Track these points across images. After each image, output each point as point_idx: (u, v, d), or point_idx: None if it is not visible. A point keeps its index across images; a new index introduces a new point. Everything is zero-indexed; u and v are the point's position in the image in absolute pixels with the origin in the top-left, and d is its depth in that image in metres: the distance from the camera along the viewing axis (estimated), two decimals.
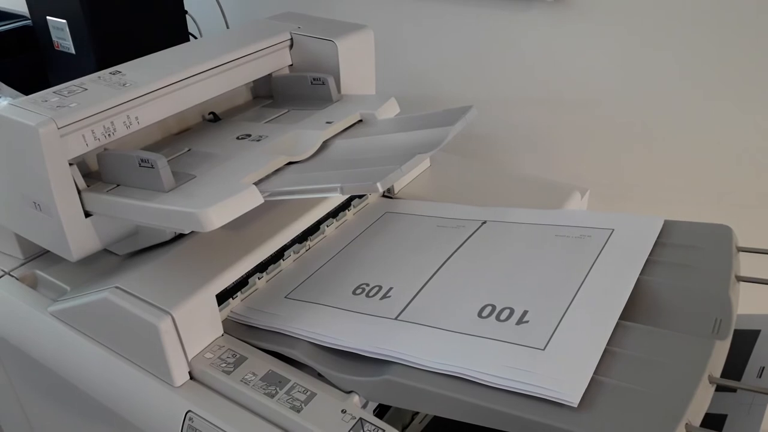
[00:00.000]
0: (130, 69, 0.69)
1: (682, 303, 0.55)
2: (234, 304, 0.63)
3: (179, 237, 0.65)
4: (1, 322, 0.68)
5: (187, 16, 1.11)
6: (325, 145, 0.70)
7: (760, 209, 0.97)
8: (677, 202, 1.04)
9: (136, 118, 0.65)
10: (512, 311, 0.55)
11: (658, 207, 1.06)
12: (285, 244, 0.67)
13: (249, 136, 0.71)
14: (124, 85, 0.65)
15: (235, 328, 0.61)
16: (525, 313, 0.55)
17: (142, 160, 0.60)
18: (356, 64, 0.82)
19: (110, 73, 0.68)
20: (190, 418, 0.54)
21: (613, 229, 0.64)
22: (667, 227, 0.64)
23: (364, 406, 0.54)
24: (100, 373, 0.61)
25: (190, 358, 0.57)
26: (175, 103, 0.69)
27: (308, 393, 0.53)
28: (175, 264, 0.61)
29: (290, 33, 0.80)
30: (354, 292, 0.62)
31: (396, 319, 0.57)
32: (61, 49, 1.01)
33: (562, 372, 0.48)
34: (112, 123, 0.63)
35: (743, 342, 0.59)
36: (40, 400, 0.72)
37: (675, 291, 0.56)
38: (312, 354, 0.56)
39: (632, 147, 1.04)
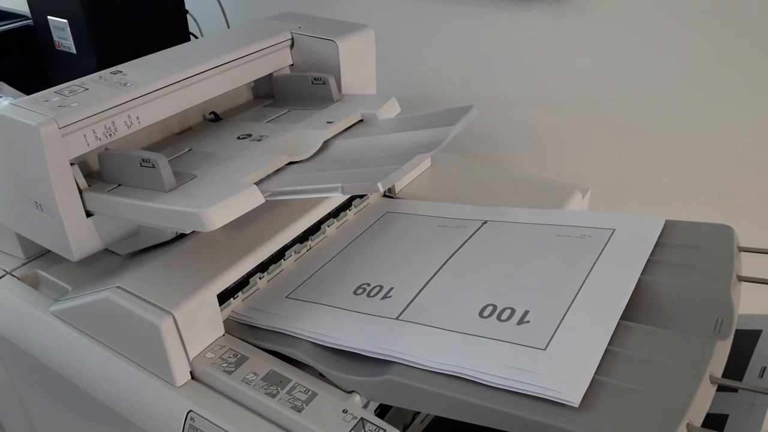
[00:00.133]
0: (131, 69, 0.69)
1: (683, 303, 0.55)
2: (235, 303, 0.63)
3: (180, 237, 0.65)
4: (2, 321, 0.68)
5: (187, 15, 1.11)
6: (325, 144, 0.70)
7: (761, 209, 0.97)
8: (678, 202, 1.04)
9: (137, 117, 0.65)
10: (513, 311, 0.55)
11: (658, 207, 1.06)
12: (286, 244, 0.67)
13: (250, 135, 0.71)
14: (125, 84, 0.65)
15: (236, 327, 0.61)
16: (526, 313, 0.55)
17: (143, 160, 0.60)
18: (357, 64, 0.82)
19: (111, 72, 0.68)
20: (192, 418, 0.54)
21: (614, 229, 0.64)
22: (668, 227, 0.64)
23: (365, 406, 0.54)
24: (102, 372, 0.61)
25: (191, 358, 0.57)
26: (176, 103, 0.69)
27: (309, 393, 0.53)
28: (176, 264, 0.61)
29: (291, 33, 0.80)
30: (355, 292, 0.62)
31: (397, 319, 0.57)
32: (62, 48, 1.01)
33: (563, 372, 0.48)
34: (113, 123, 0.63)
35: (745, 342, 0.59)
36: (42, 400, 0.72)
37: (676, 291, 0.56)
38: (313, 354, 0.56)
39: (632, 147, 1.04)
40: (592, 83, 1.03)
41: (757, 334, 0.60)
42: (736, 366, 0.56)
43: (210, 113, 0.79)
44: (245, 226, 0.66)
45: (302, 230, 0.69)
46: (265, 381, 0.55)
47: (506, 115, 1.14)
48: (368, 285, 0.63)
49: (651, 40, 0.95)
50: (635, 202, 1.08)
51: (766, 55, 0.88)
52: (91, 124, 0.61)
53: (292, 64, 0.82)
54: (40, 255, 0.70)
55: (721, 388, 0.49)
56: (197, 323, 0.57)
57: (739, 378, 0.55)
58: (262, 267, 0.65)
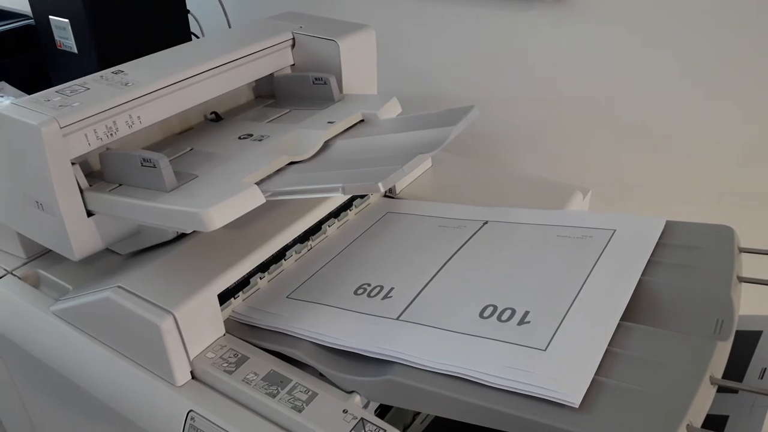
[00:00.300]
0: (132, 68, 0.69)
1: (683, 304, 0.55)
2: (236, 303, 0.63)
3: (181, 236, 0.65)
4: (3, 321, 0.68)
5: (189, 15, 1.11)
6: (326, 144, 0.70)
7: (761, 209, 0.97)
8: (678, 202, 1.04)
9: (138, 117, 0.65)
10: (513, 312, 0.55)
11: (658, 207, 1.06)
12: (287, 244, 0.67)
13: (251, 135, 0.71)
14: (126, 84, 0.65)
15: (236, 327, 0.61)
16: (526, 313, 0.55)
17: (144, 160, 0.60)
18: (358, 64, 0.82)
19: (112, 72, 0.68)
20: (192, 418, 0.54)
21: (615, 230, 0.64)
22: (669, 228, 0.64)
23: (366, 406, 0.54)
24: (102, 372, 0.61)
25: (191, 358, 0.57)
26: (177, 103, 0.69)
27: (310, 393, 0.53)
28: (177, 263, 0.62)
29: (292, 33, 0.80)
30: (355, 292, 0.62)
31: (397, 319, 0.57)
32: (63, 48, 1.01)
33: (564, 372, 0.48)
34: (114, 122, 0.63)
35: (745, 343, 0.59)
36: (43, 399, 0.72)
37: (676, 292, 0.56)
38: (313, 354, 0.56)
39: (633, 147, 1.04)
40: (593, 83, 1.03)
41: (757, 335, 0.60)
42: (737, 367, 0.56)
43: (211, 113, 0.79)
44: (246, 226, 0.66)
45: (303, 230, 0.69)
46: (265, 381, 0.55)
47: (507, 115, 1.14)
48: (369, 285, 0.63)
49: (651, 40, 0.95)
50: (635, 202, 1.08)
51: (766, 55, 0.88)
52: (93, 123, 0.61)
53: (293, 64, 0.82)
54: (41, 254, 0.70)
55: (721, 389, 0.49)
56: (198, 323, 0.57)
57: (740, 379, 0.55)
58: (263, 267, 0.65)
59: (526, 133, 1.14)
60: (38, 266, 0.69)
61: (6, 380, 0.74)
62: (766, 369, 0.55)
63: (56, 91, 0.63)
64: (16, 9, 1.14)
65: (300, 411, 0.52)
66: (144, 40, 1.01)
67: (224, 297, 0.61)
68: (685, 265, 0.59)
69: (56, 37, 1.01)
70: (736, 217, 0.87)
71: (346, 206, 0.75)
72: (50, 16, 0.99)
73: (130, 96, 0.64)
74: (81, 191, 0.61)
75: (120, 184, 0.62)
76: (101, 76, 0.67)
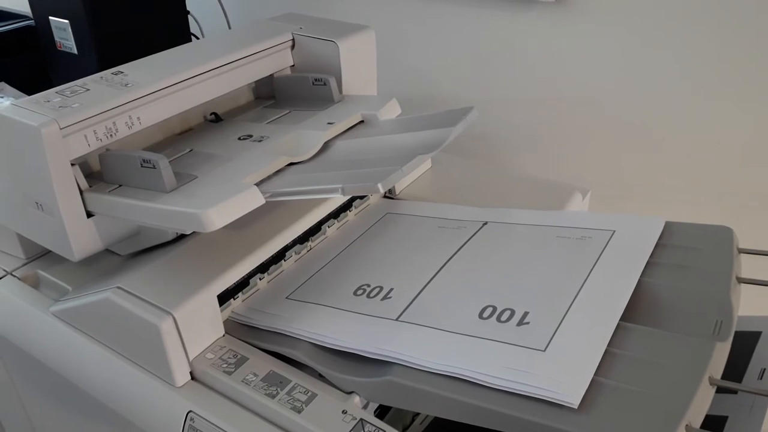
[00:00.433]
0: (132, 69, 0.69)
1: (682, 304, 0.55)
2: (235, 304, 0.63)
3: (181, 237, 0.65)
4: (3, 321, 0.68)
5: (189, 16, 1.11)
6: (326, 145, 0.70)
7: (761, 210, 0.97)
8: (678, 203, 1.04)
9: (138, 118, 0.65)
10: (513, 312, 0.55)
11: (658, 207, 1.06)
12: (286, 245, 0.67)
13: (251, 136, 0.72)
14: (126, 85, 0.65)
15: (236, 328, 0.61)
16: (526, 314, 0.55)
17: (143, 161, 0.60)
18: (358, 65, 0.82)
19: (112, 73, 0.68)
20: (191, 419, 0.54)
21: (614, 231, 0.64)
22: (668, 228, 0.64)
23: (365, 407, 0.54)
24: (102, 373, 0.61)
25: (191, 359, 0.57)
26: (177, 104, 0.69)
27: (309, 393, 0.53)
28: (176, 264, 0.62)
29: (292, 34, 0.80)
30: (355, 293, 0.62)
31: (397, 320, 0.57)
32: (63, 49, 1.01)
33: (563, 373, 0.48)
34: (114, 123, 0.63)
35: (744, 343, 0.59)
36: (42, 400, 0.72)
37: (676, 292, 0.56)
38: (313, 355, 0.56)
39: (633, 147, 1.04)
40: (593, 83, 1.03)
41: (756, 335, 0.60)
42: (736, 367, 0.56)
43: (211, 114, 0.79)
44: (246, 227, 0.66)
45: (302, 231, 0.69)
46: (264, 382, 0.55)
47: (507, 115, 1.14)
48: (368, 286, 0.63)
49: (651, 40, 0.95)
50: (635, 203, 1.08)
51: (766, 55, 0.88)
52: (92, 124, 0.61)
53: (293, 65, 0.82)
54: (40, 255, 0.70)
55: (720, 390, 0.49)
56: (197, 324, 0.57)
57: (739, 380, 0.55)
58: (263, 268, 0.65)
59: (525, 133, 1.14)
60: (38, 267, 0.69)
61: (5, 381, 0.74)
62: (765, 369, 0.55)
63: (56, 92, 0.63)
64: (15, 9, 1.14)
65: (299, 412, 0.52)
66: (144, 41, 1.01)
67: (224, 298, 0.61)
68: (684, 265, 0.59)
69: (56, 38, 1.01)
70: (736, 218, 0.87)
71: (346, 207, 0.75)
72: (50, 17, 0.99)
73: (130, 97, 0.64)
74: (81, 192, 0.61)
75: (120, 185, 0.62)
76: (101, 77, 0.67)
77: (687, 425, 0.44)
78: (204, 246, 0.64)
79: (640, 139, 1.03)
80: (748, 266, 0.60)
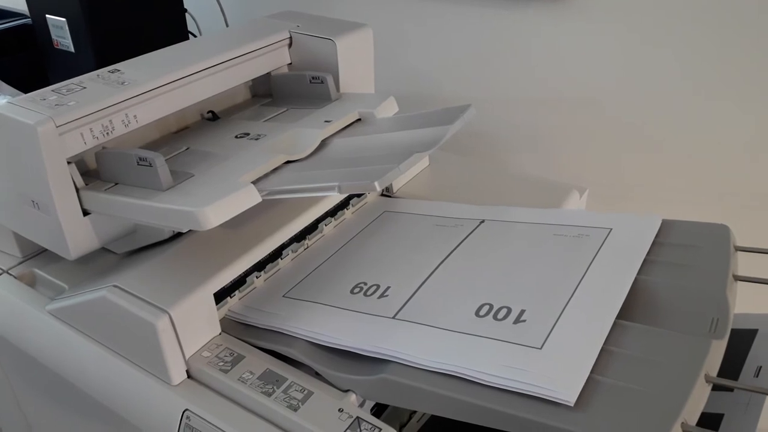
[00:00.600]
0: (128, 67, 0.69)
1: (679, 302, 0.55)
2: (232, 302, 0.63)
3: (177, 235, 0.65)
4: None
5: (186, 14, 1.11)
6: (323, 143, 0.70)
7: (761, 209, 0.97)
8: (679, 203, 1.04)
9: (135, 116, 0.65)
10: (509, 310, 0.55)
11: (658, 207, 1.06)
12: (283, 243, 0.67)
13: (247, 134, 0.71)
14: (122, 83, 0.65)
15: (232, 326, 0.61)
16: (522, 312, 0.55)
17: (140, 159, 0.60)
18: (355, 63, 0.82)
19: (109, 71, 0.68)
20: (188, 417, 0.54)
21: (611, 229, 0.64)
22: (665, 227, 0.64)
23: (361, 405, 0.54)
24: (98, 371, 0.61)
25: (187, 357, 0.57)
26: (173, 102, 0.69)
27: (305, 392, 0.53)
28: (173, 263, 0.61)
29: (289, 32, 0.80)
30: (352, 291, 0.62)
31: (393, 318, 0.57)
32: (60, 47, 1.01)
33: (559, 371, 0.48)
34: (110, 121, 0.63)
35: (741, 341, 0.59)
36: (38, 398, 0.72)
37: (672, 290, 0.56)
38: (309, 353, 0.56)
39: (632, 146, 1.04)
40: (592, 82, 1.03)
41: (753, 333, 0.60)
42: (732, 365, 0.56)
43: (208, 112, 0.79)
44: (242, 225, 0.66)
45: (299, 229, 0.69)
46: (261, 380, 0.55)
47: (505, 113, 1.14)
48: (365, 284, 0.63)
49: (651, 39, 0.95)
50: (636, 202, 1.08)
51: (766, 55, 0.88)
52: (89, 122, 0.61)
53: (291, 63, 0.82)
54: (37, 254, 0.70)
55: (716, 388, 0.49)
56: (193, 322, 0.57)
57: (735, 377, 0.55)
58: (259, 266, 0.65)
59: (524, 132, 1.14)
60: (34, 265, 0.69)
61: (2, 379, 0.74)
62: (761, 367, 0.55)
63: (52, 90, 0.63)
64: (13, 8, 1.14)
65: (295, 410, 0.52)
66: (141, 39, 1.01)
67: (220, 296, 0.61)
68: (681, 263, 0.59)
69: (53, 36, 1.01)
70: (736, 217, 0.87)
71: (343, 205, 0.75)
72: (47, 15, 0.99)
73: (127, 95, 0.64)
74: (77, 190, 0.61)
75: (116, 183, 0.62)
76: (98, 75, 0.67)
77: (683, 423, 0.44)
78: (200, 244, 0.64)
79: (640, 138, 1.03)
80: (744, 264, 0.60)
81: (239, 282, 0.63)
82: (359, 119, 0.75)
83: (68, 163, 0.60)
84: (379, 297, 0.60)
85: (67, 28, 0.97)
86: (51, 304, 0.64)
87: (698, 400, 0.46)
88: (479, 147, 1.19)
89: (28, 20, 1.06)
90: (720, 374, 0.49)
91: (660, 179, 1.04)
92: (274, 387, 0.54)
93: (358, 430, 0.50)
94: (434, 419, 0.62)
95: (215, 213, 0.55)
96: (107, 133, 0.63)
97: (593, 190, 0.81)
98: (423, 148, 0.60)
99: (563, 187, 0.79)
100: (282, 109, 0.78)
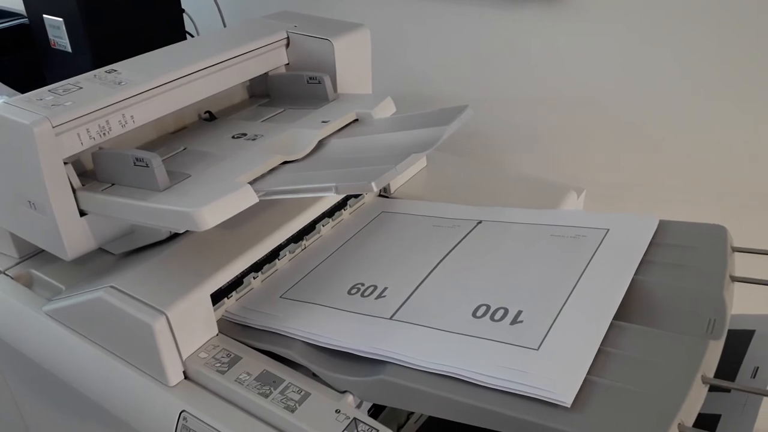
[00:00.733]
0: (125, 67, 0.69)
1: (676, 303, 0.55)
2: (229, 303, 0.63)
3: (174, 236, 0.65)
4: None
5: (184, 14, 1.11)
6: (320, 144, 0.69)
7: (761, 209, 0.97)
8: (678, 203, 1.04)
9: (132, 116, 0.65)
10: (506, 311, 0.55)
11: (657, 207, 1.06)
12: (280, 244, 0.67)
13: (245, 135, 0.71)
14: (119, 83, 0.65)
15: (229, 327, 0.61)
16: (519, 313, 0.55)
17: (137, 159, 0.60)
18: (353, 63, 0.82)
19: (106, 71, 0.68)
20: (185, 418, 0.54)
21: (608, 229, 0.64)
22: (662, 227, 0.64)
23: (359, 406, 0.54)
24: (95, 372, 0.60)
25: (184, 358, 0.57)
26: (170, 102, 0.69)
27: (302, 393, 0.53)
28: (170, 263, 0.61)
29: (286, 32, 0.80)
30: (349, 292, 0.62)
31: (391, 318, 0.57)
32: (57, 47, 1.01)
33: (556, 372, 0.48)
34: (107, 122, 0.63)
35: (738, 342, 0.59)
36: (35, 399, 0.72)
37: (669, 291, 0.56)
38: (306, 354, 0.56)
39: (631, 146, 1.04)
40: (591, 82, 1.03)
41: (750, 334, 0.60)
42: (729, 366, 0.56)
43: (205, 112, 0.79)
44: (239, 226, 0.66)
45: (297, 230, 0.69)
46: (258, 381, 0.55)
47: (503, 113, 1.14)
48: (362, 285, 0.63)
49: (650, 39, 0.95)
50: (634, 203, 1.08)
51: (766, 55, 0.88)
52: (85, 123, 0.61)
53: (288, 63, 0.82)
54: (33, 254, 0.70)
55: (713, 388, 0.49)
56: (190, 323, 0.57)
57: (732, 378, 0.55)
58: (257, 267, 0.65)
59: (522, 132, 1.14)
60: (31, 266, 0.69)
61: None
62: (758, 368, 0.55)
63: (49, 90, 0.63)
64: (10, 8, 1.14)
65: (293, 411, 0.52)
66: (139, 39, 1.01)
67: (217, 297, 0.61)
68: (678, 264, 0.59)
69: (50, 36, 1.00)
70: (736, 218, 0.87)
71: (341, 206, 0.75)
72: (44, 15, 0.99)
73: (123, 95, 0.64)
74: (73, 191, 0.61)
75: (113, 184, 0.62)
76: (94, 75, 0.67)
77: (680, 424, 0.44)
78: (197, 245, 0.64)
79: (639, 138, 1.03)
80: (742, 265, 0.60)
81: (236, 283, 0.63)
82: (356, 120, 0.75)
83: (65, 163, 0.60)
84: (377, 298, 0.60)
85: (64, 28, 0.97)
86: (48, 305, 0.64)
87: (695, 401, 0.46)
88: (477, 147, 1.19)
89: (25, 20, 1.06)
90: (717, 375, 0.49)
91: (659, 179, 1.04)
92: (271, 388, 0.54)
93: (356, 431, 0.50)
94: (432, 420, 0.62)
95: (212, 213, 0.55)
96: (104, 134, 0.63)
97: (592, 191, 0.81)
98: (420, 148, 0.60)
99: (561, 188, 0.79)
100: (279, 109, 0.78)
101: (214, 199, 0.55)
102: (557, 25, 1.02)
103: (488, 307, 0.56)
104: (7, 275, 0.69)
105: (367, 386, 0.53)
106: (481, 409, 0.47)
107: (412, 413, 0.62)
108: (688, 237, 0.62)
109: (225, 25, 1.29)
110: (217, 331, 0.60)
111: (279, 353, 0.57)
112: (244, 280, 0.64)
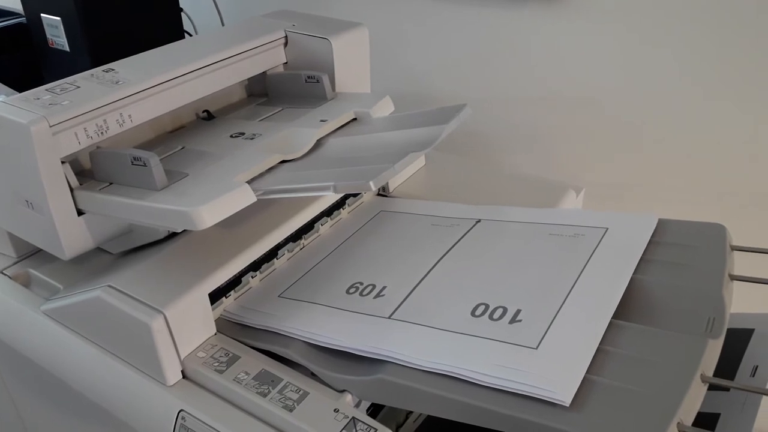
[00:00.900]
0: (123, 67, 0.69)
1: (675, 302, 0.55)
2: (227, 302, 0.63)
3: (172, 235, 0.65)
4: None
5: (182, 13, 1.11)
6: (319, 143, 0.69)
7: (761, 209, 0.97)
8: (678, 202, 1.03)
9: (129, 116, 0.65)
10: (505, 310, 0.55)
11: (656, 207, 1.06)
12: (279, 243, 0.67)
13: (243, 134, 0.71)
14: (117, 82, 0.65)
15: (228, 327, 0.61)
16: (518, 312, 0.55)
17: (134, 159, 0.59)
18: (351, 62, 0.82)
19: (103, 70, 0.68)
20: (183, 417, 0.54)
21: (607, 228, 0.64)
22: (661, 226, 0.64)
23: (357, 405, 0.54)
24: (93, 371, 0.60)
25: (182, 357, 0.57)
26: (168, 101, 0.69)
27: (301, 392, 0.53)
28: (168, 263, 0.61)
29: (285, 31, 0.80)
30: (348, 291, 0.62)
31: (389, 318, 0.57)
32: (55, 46, 1.01)
33: (555, 371, 0.48)
34: (104, 121, 0.63)
35: (737, 341, 0.59)
36: (33, 399, 0.72)
37: (668, 290, 0.56)
38: (305, 353, 0.56)
39: (631, 146, 1.04)
40: (591, 82, 1.03)
41: (749, 332, 0.60)
42: (728, 365, 0.56)
43: (203, 111, 0.79)
44: (237, 225, 0.65)
45: (295, 229, 0.68)
46: (256, 380, 0.54)
47: (503, 113, 1.14)
48: (361, 284, 0.63)
49: (650, 38, 0.95)
50: (634, 202, 1.08)
51: (766, 55, 0.88)
52: (83, 122, 0.61)
53: (286, 63, 0.82)
54: (31, 254, 0.70)
55: (712, 387, 0.49)
56: (189, 322, 0.57)
57: (731, 377, 0.55)
58: (255, 266, 0.65)
59: (522, 131, 1.14)
60: (29, 265, 0.69)
61: None
62: (757, 367, 0.55)
63: (46, 90, 0.63)
64: (7, 7, 1.13)
65: (291, 410, 0.51)
66: (137, 39, 1.01)
67: (215, 296, 0.61)
68: (677, 263, 0.59)
69: (48, 35, 1.00)
70: (736, 217, 0.87)
71: (339, 205, 0.75)
72: (42, 14, 0.99)
73: (121, 94, 0.63)
74: (71, 190, 0.60)
75: (110, 183, 0.62)
76: (92, 75, 0.67)
77: (679, 422, 0.44)
78: (195, 244, 0.64)
79: (639, 138, 1.03)
80: (741, 264, 0.60)
81: (235, 282, 0.63)
82: (355, 119, 0.75)
83: (62, 162, 0.59)
84: (375, 297, 0.60)
85: (62, 27, 0.97)
86: (46, 305, 0.64)
87: (694, 399, 0.46)
88: (476, 146, 1.19)
89: (22, 19, 1.06)
90: (716, 374, 0.49)
91: (659, 179, 1.04)
92: (270, 387, 0.54)
93: (354, 430, 0.50)
94: (431, 419, 0.62)
95: (210, 213, 0.54)
96: (101, 133, 0.63)
97: (592, 190, 0.81)
98: (418, 147, 0.60)
99: (560, 187, 0.78)
100: (277, 108, 0.78)
101: (212, 199, 0.55)
102: (557, 25, 1.01)
103: (487, 306, 0.56)
104: (5, 275, 0.69)
105: (365, 385, 0.53)
106: (480, 408, 0.47)
107: (411, 412, 0.62)
108: (688, 236, 0.62)
109: (223, 24, 1.28)
110: (215, 331, 0.60)
111: (277, 352, 0.57)
112: (242, 279, 0.64)
